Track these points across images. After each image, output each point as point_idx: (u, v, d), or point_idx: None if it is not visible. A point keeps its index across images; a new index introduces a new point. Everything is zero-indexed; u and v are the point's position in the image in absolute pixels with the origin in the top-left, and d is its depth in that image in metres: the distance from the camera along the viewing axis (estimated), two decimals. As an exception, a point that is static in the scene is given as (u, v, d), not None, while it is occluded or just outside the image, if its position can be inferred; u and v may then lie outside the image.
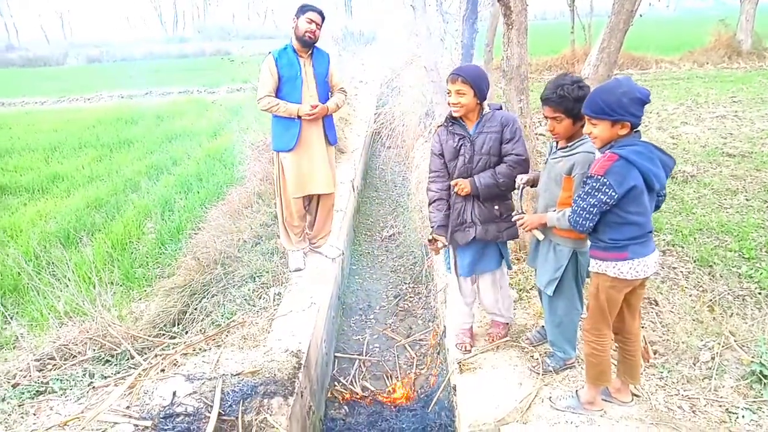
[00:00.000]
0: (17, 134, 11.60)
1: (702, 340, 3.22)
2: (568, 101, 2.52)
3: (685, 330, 3.30)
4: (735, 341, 3.19)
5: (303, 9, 4.18)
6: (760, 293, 3.74)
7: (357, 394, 4.02)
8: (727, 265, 4.11)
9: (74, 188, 7.76)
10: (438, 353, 4.17)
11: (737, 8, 15.64)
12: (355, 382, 4.14)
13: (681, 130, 8.12)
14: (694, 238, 4.58)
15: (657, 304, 3.63)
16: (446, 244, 3.13)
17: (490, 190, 2.98)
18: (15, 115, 14.57)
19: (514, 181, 2.93)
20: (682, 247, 4.44)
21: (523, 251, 4.26)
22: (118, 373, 3.30)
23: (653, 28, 19.81)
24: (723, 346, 3.15)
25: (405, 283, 5.58)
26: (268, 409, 2.93)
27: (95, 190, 7.55)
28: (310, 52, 4.30)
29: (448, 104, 3.03)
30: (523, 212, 2.85)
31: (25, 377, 3.27)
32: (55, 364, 3.41)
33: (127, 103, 15.91)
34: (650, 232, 2.37)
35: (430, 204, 3.23)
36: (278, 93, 4.26)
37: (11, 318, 4.20)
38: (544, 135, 7.57)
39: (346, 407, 3.92)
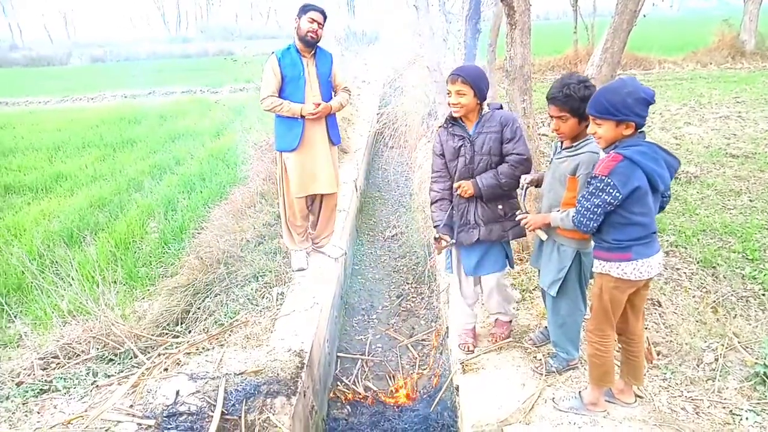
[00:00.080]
0: (21, 134, 11.63)
1: (705, 342, 3.22)
2: (574, 100, 2.52)
3: (689, 331, 3.30)
4: (739, 343, 3.18)
5: (305, 8, 4.18)
6: (763, 294, 3.73)
7: (359, 394, 4.02)
8: (730, 266, 4.10)
9: (78, 188, 7.78)
10: (440, 353, 4.17)
11: (741, 8, 15.60)
12: (358, 382, 4.14)
13: (684, 130, 8.10)
14: (698, 239, 4.57)
15: (660, 305, 3.62)
16: (451, 243, 3.12)
17: (493, 191, 2.98)
18: (19, 114, 14.61)
19: (517, 181, 2.93)
20: (686, 248, 4.43)
21: (525, 251, 4.26)
22: (122, 372, 3.30)
23: (656, 28, 19.78)
24: (726, 348, 3.14)
25: (407, 283, 5.57)
26: (271, 408, 2.93)
27: (98, 189, 7.57)
28: (313, 51, 4.30)
29: (448, 104, 3.03)
30: (526, 212, 2.85)
31: (29, 376, 3.29)
32: (58, 363, 3.42)
33: (131, 102, 15.95)
34: (654, 232, 2.37)
35: (432, 204, 3.23)
36: (281, 93, 4.27)
37: (15, 317, 4.21)
38: (546, 135, 7.57)
39: (348, 407, 3.92)
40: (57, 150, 10.03)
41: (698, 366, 3.05)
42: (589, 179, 2.35)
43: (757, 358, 3.01)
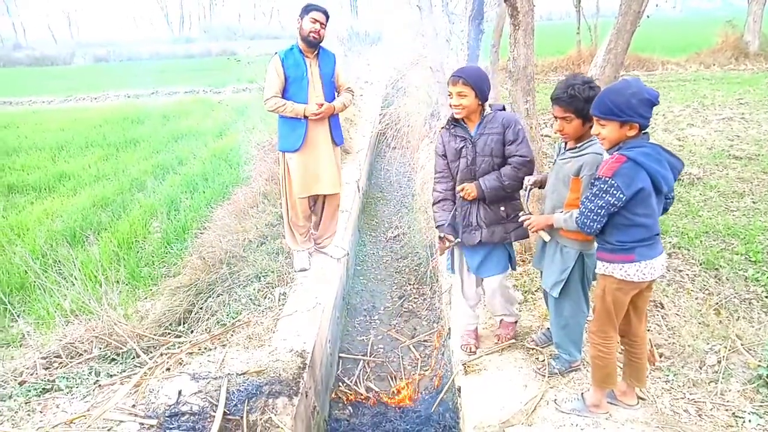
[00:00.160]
0: (24, 133, 11.66)
1: (708, 344, 3.21)
2: (579, 101, 2.51)
3: (691, 333, 3.29)
4: (741, 345, 3.18)
5: (307, 9, 4.18)
6: (767, 297, 3.72)
7: (361, 394, 4.02)
8: (733, 268, 4.09)
9: (81, 187, 7.80)
10: (442, 354, 4.17)
11: (745, 9, 15.55)
12: (360, 382, 4.14)
13: (687, 132, 8.08)
14: (700, 241, 4.56)
15: (663, 307, 3.61)
16: (456, 242, 3.11)
17: (496, 193, 2.97)
18: (22, 114, 14.65)
19: (520, 183, 2.93)
20: (688, 250, 4.42)
21: (528, 253, 4.25)
22: (124, 371, 3.31)
23: (660, 29, 19.72)
24: (729, 350, 3.14)
25: (409, 284, 5.57)
26: (272, 408, 2.93)
27: (101, 189, 7.58)
28: (316, 52, 4.30)
29: (450, 106, 3.03)
30: (529, 213, 2.85)
31: (31, 375, 3.30)
32: (61, 362, 3.43)
33: (134, 102, 15.97)
34: (657, 234, 2.37)
35: (434, 204, 3.24)
36: (285, 93, 4.27)
37: (18, 316, 4.22)
38: (549, 136, 7.56)
39: (350, 408, 3.92)
40: (60, 149, 10.06)
41: (701, 368, 3.04)
42: (592, 180, 2.35)
43: (760, 361, 3.01)
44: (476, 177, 3.03)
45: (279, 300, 4.12)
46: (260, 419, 2.86)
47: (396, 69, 16.31)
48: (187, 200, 6.84)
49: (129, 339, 3.56)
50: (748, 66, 14.19)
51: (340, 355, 4.47)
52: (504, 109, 3.10)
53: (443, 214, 3.16)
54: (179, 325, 4.06)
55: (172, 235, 5.80)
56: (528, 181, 2.86)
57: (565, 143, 2.74)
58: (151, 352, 3.51)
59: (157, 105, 14.76)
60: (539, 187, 2.93)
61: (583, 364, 3.04)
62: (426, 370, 4.20)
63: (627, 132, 2.27)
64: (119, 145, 10.24)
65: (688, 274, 4.07)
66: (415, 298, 5.32)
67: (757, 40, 14.94)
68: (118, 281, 4.50)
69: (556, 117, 2.64)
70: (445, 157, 3.15)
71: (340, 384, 4.15)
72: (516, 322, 3.44)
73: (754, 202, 5.35)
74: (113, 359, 3.47)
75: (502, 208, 3.06)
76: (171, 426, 2.78)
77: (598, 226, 2.33)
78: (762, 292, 3.78)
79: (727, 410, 2.73)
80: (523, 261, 4.23)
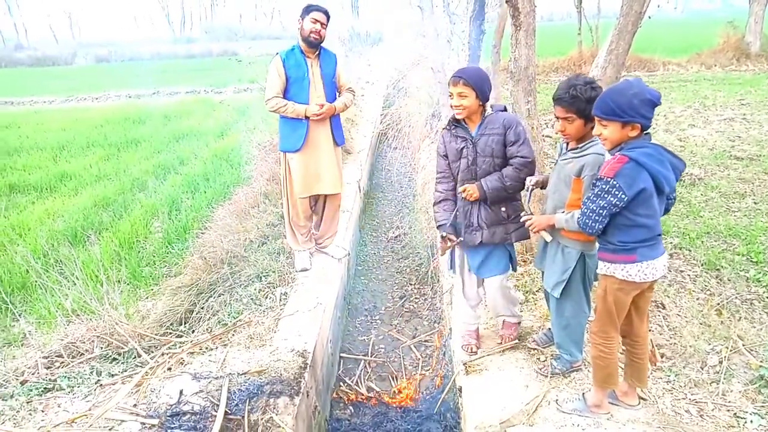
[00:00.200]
0: (26, 133, 11.68)
1: (710, 344, 3.21)
2: (581, 102, 2.52)
3: (693, 334, 3.29)
4: (743, 345, 3.17)
5: (307, 9, 4.18)
6: (768, 297, 3.71)
7: (362, 394, 4.02)
8: (734, 268, 4.09)
9: (82, 187, 7.81)
10: (444, 354, 4.17)
11: (746, 10, 15.53)
12: (361, 382, 4.14)
13: (688, 132, 8.08)
14: (702, 242, 4.56)
15: (664, 308, 3.61)
16: (459, 240, 3.11)
17: (498, 193, 2.97)
18: (24, 114, 14.67)
19: (522, 184, 2.93)
20: (689, 251, 4.41)
21: (529, 253, 4.25)
22: (125, 371, 3.31)
23: (661, 29, 19.71)
24: (731, 350, 3.13)
25: (410, 284, 5.57)
26: (274, 408, 2.93)
27: (103, 189, 7.59)
28: (317, 52, 4.31)
29: (451, 106, 3.03)
30: (531, 213, 2.85)
31: (33, 374, 3.30)
32: (62, 362, 3.43)
33: (135, 102, 16.00)
34: (659, 234, 2.37)
35: (435, 204, 3.24)
36: (286, 94, 4.27)
37: (20, 315, 4.22)
38: (550, 137, 7.56)
39: (351, 408, 3.92)
40: (61, 149, 10.07)
41: (702, 369, 3.04)
42: (594, 181, 2.35)
43: (761, 361, 3.01)
44: (477, 177, 3.03)
45: (280, 300, 4.12)
46: (261, 419, 2.87)
47: (397, 69, 16.32)
48: (189, 200, 6.84)
49: (130, 339, 3.56)
50: (749, 67, 14.17)
51: (341, 355, 4.47)
52: (505, 109, 3.10)
53: (444, 214, 3.16)
54: (180, 324, 4.06)
55: (174, 235, 5.80)
56: (530, 181, 2.87)
57: (567, 143, 2.74)
58: (152, 352, 3.51)
59: (158, 105, 14.78)
60: (541, 188, 2.93)
61: (585, 365, 3.04)
62: (427, 370, 4.20)
63: (629, 132, 2.27)
64: (120, 145, 10.25)
65: (689, 275, 4.07)
66: (416, 298, 5.32)
67: (759, 40, 14.92)
68: (119, 281, 4.51)
69: (557, 117, 2.64)
70: (446, 158, 3.16)
71: (341, 384, 4.15)
72: (519, 323, 3.44)
73: (755, 203, 5.34)
74: (115, 359, 3.47)
75: (503, 209, 3.06)
76: (172, 425, 2.78)
77: (600, 226, 2.33)
78: (763, 292, 3.78)
79: (728, 411, 2.73)
80: (524, 261, 4.23)
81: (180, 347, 3.53)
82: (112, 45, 36.78)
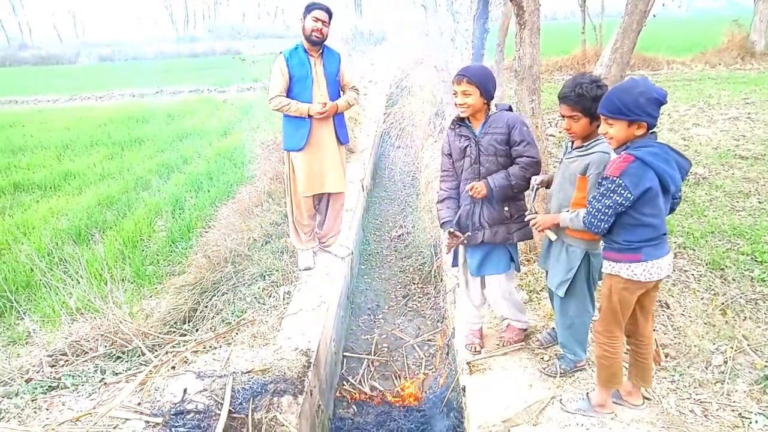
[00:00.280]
0: (30, 132, 11.73)
1: (714, 344, 3.19)
2: (586, 100, 2.51)
3: (697, 333, 3.28)
4: (748, 345, 3.16)
5: (309, 8, 4.18)
6: (773, 297, 3.70)
7: (365, 393, 4.03)
8: (739, 268, 4.07)
9: (86, 186, 7.84)
10: (447, 354, 4.17)
11: (751, 8, 15.47)
12: (364, 381, 4.15)
13: (693, 131, 8.05)
14: (706, 241, 4.54)
15: (668, 307, 3.60)
16: (466, 235, 3.08)
17: (505, 192, 2.96)
18: (28, 113, 14.72)
19: (527, 183, 2.92)
20: (694, 250, 4.40)
21: (533, 252, 4.25)
22: (130, 369, 3.32)
23: (665, 28, 19.66)
24: (736, 350, 3.12)
25: (414, 283, 5.57)
26: (277, 407, 2.94)
27: (107, 187, 7.62)
28: (320, 51, 4.30)
29: (455, 105, 3.02)
30: (535, 212, 2.84)
31: (37, 372, 3.31)
32: (67, 360, 3.44)
33: (138, 101, 16.04)
34: (664, 234, 2.36)
35: (439, 202, 3.23)
36: (289, 93, 4.28)
37: (24, 314, 4.24)
38: (554, 136, 7.54)
39: (354, 407, 3.92)
40: (65, 148, 10.10)
41: (707, 368, 3.03)
42: (600, 180, 2.34)
43: (766, 361, 3.00)
44: (480, 176, 3.02)
45: (284, 299, 4.12)
46: (265, 417, 2.87)
47: (400, 68, 16.32)
48: (192, 199, 6.85)
49: (134, 337, 3.57)
50: (754, 65, 14.11)
51: (345, 354, 4.48)
52: (511, 109, 3.09)
53: (448, 211, 3.15)
54: (184, 323, 4.07)
55: (177, 234, 5.82)
56: (534, 180, 2.86)
57: (572, 142, 2.74)
58: (156, 351, 3.52)
59: (161, 104, 14.81)
60: (545, 187, 2.93)
61: (589, 364, 3.03)
62: (430, 370, 4.20)
63: (635, 131, 2.26)
64: (124, 144, 10.27)
65: (693, 274, 4.05)
66: (419, 297, 5.32)
67: (763, 39, 14.86)
68: (123, 280, 4.52)
69: (563, 115, 2.63)
70: (450, 156, 3.16)
71: (345, 383, 4.16)
72: (525, 330, 3.38)
73: (760, 202, 5.32)
74: (119, 357, 3.48)
75: (506, 208, 3.05)
76: (176, 424, 2.78)
77: (606, 225, 2.33)
78: (768, 292, 3.76)
79: (733, 411, 2.72)
80: (528, 261, 4.22)
81: (184, 346, 3.54)
82: (115, 44, 36.88)
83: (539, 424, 2.69)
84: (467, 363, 3.26)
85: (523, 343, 3.34)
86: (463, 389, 3.30)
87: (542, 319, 3.60)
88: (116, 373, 3.27)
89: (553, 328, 3.25)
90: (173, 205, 6.68)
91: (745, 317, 3.47)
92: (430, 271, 5.49)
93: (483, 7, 7.83)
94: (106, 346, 3.53)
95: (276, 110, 4.31)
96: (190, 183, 7.55)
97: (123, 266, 4.99)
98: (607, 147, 2.50)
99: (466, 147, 3.04)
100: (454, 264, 3.37)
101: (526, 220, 2.89)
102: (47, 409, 2.97)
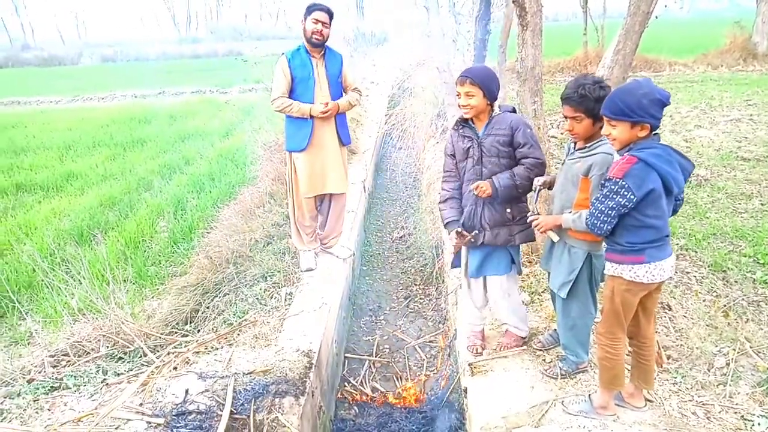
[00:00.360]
0: (32, 133, 11.75)
1: (716, 346, 3.19)
2: (589, 101, 2.51)
3: (699, 335, 3.27)
4: (750, 347, 3.15)
5: (309, 9, 4.19)
6: (775, 299, 3.69)
7: (367, 394, 4.02)
8: (741, 270, 4.07)
9: (88, 186, 7.85)
10: (448, 355, 4.16)
11: (753, 10, 15.44)
12: (365, 382, 4.14)
13: (694, 133, 8.03)
14: (708, 243, 4.54)
15: (670, 309, 3.60)
16: (473, 234, 3.07)
17: (510, 192, 2.95)
18: (30, 113, 14.75)
19: (531, 184, 2.92)
20: (696, 252, 4.39)
21: (535, 254, 4.24)
22: (131, 370, 3.32)
23: (667, 29, 19.63)
24: (738, 352, 3.12)
25: (415, 285, 5.57)
26: (279, 408, 2.94)
27: (109, 188, 7.63)
28: (322, 52, 4.31)
29: (458, 106, 3.02)
30: (537, 214, 2.84)
31: (39, 373, 3.31)
32: (69, 361, 3.45)
33: (141, 102, 16.06)
34: (667, 235, 2.35)
35: (441, 203, 3.23)
36: (291, 94, 4.28)
37: (26, 314, 4.24)
38: (556, 137, 7.54)
39: (356, 408, 3.92)
40: (68, 149, 10.12)
41: (709, 370, 3.02)
42: (603, 181, 2.34)
43: (769, 364, 2.99)
44: (483, 177, 3.02)
45: (285, 300, 4.12)
46: (267, 418, 2.87)
47: (402, 69, 16.32)
48: (194, 200, 6.86)
49: (136, 338, 3.57)
50: (756, 67, 14.08)
51: (346, 355, 4.47)
52: (514, 111, 3.09)
53: (452, 212, 3.15)
54: (186, 324, 4.07)
55: (179, 235, 5.82)
56: (537, 182, 2.86)
57: (575, 143, 2.74)
58: (158, 351, 3.52)
59: (163, 105, 14.82)
60: (548, 188, 2.92)
61: (591, 366, 3.03)
62: (432, 371, 4.20)
63: (638, 133, 2.26)
64: (126, 145, 10.29)
65: (695, 276, 4.04)
66: (420, 298, 5.32)
67: (766, 41, 14.82)
68: (125, 280, 4.53)
69: (566, 116, 2.63)
70: (453, 157, 3.16)
71: (346, 384, 4.16)
72: (524, 338, 3.35)
73: (762, 204, 5.31)
74: (120, 358, 3.48)
75: (508, 210, 3.04)
76: (178, 425, 2.78)
77: (609, 227, 2.33)
78: (771, 294, 3.76)
79: (735, 413, 2.72)
80: (529, 262, 4.21)
81: (186, 347, 3.54)
82: (118, 45, 36.96)
83: (541, 425, 2.68)
84: (469, 364, 3.25)
85: (524, 347, 3.34)
86: (465, 391, 3.30)
87: (544, 321, 3.60)
88: (118, 374, 3.28)
89: (555, 329, 3.24)
90: (175, 206, 6.69)
91: (748, 319, 3.46)
92: (432, 272, 5.49)
93: (485, 8, 7.84)
94: (108, 347, 3.53)
95: (278, 111, 4.32)
96: (192, 184, 7.56)
97: (125, 267, 4.99)
98: (609, 148, 2.50)
99: (468, 148, 3.04)
100: (455, 265, 3.36)
101: (528, 221, 2.88)
102: (49, 410, 2.97)
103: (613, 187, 2.25)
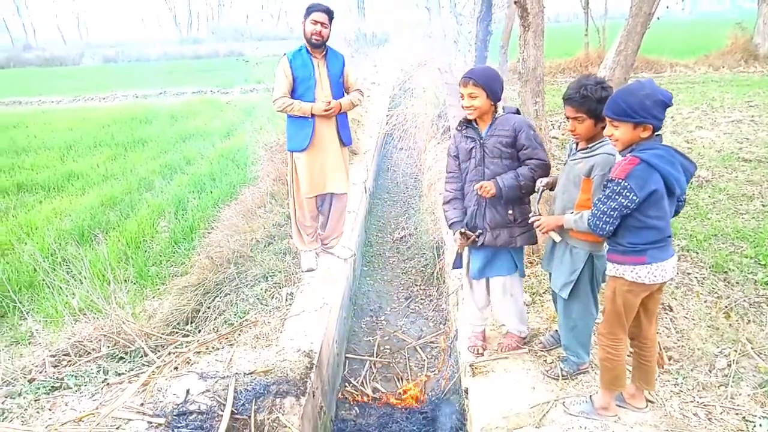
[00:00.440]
0: (34, 133, 11.75)
1: (718, 347, 3.19)
2: (591, 101, 2.51)
3: (701, 336, 3.27)
4: (752, 348, 3.15)
5: (308, 10, 4.19)
6: (777, 300, 3.68)
7: (368, 395, 4.02)
8: (742, 271, 4.06)
9: (89, 186, 7.85)
10: (449, 356, 4.16)
11: (754, 11, 15.43)
12: (366, 383, 4.14)
13: (696, 134, 8.03)
14: (709, 244, 4.53)
15: (671, 310, 3.59)
16: (477, 234, 3.06)
17: (514, 192, 2.94)
18: (32, 113, 14.75)
19: (534, 185, 2.92)
20: (697, 253, 4.39)
21: (536, 254, 4.24)
22: (132, 370, 3.32)
23: (668, 31, 19.61)
24: (739, 354, 3.11)
25: (416, 285, 5.57)
26: (280, 408, 2.94)
27: (110, 188, 7.63)
28: (324, 53, 4.31)
29: (462, 107, 3.02)
30: (539, 214, 2.84)
31: (40, 373, 3.31)
32: (69, 361, 3.45)
33: (142, 102, 16.06)
34: (669, 236, 2.35)
35: (444, 203, 3.23)
36: (293, 94, 4.29)
37: (27, 314, 4.24)
38: (557, 138, 7.54)
39: (356, 408, 3.92)
40: (69, 149, 10.13)
41: (710, 371, 3.02)
42: (605, 182, 2.34)
43: (770, 365, 2.98)
44: (485, 178, 3.01)
45: (286, 300, 4.12)
46: (268, 419, 2.87)
47: (403, 70, 16.31)
48: (195, 200, 6.86)
49: (137, 338, 3.57)
50: (757, 68, 14.07)
51: (347, 355, 4.47)
52: (518, 112, 3.09)
53: (455, 212, 3.15)
54: (187, 324, 4.07)
55: (180, 235, 5.82)
56: (540, 182, 2.85)
57: (577, 144, 2.74)
58: (159, 351, 3.52)
59: (165, 105, 14.83)
60: (550, 189, 2.92)
61: (592, 367, 3.03)
62: (433, 372, 4.19)
63: (640, 133, 2.26)
64: (127, 145, 10.29)
65: (696, 277, 4.04)
66: (421, 299, 5.32)
67: (767, 42, 14.82)
68: (126, 280, 4.52)
69: (568, 117, 2.63)
70: (456, 158, 3.16)
71: (347, 384, 4.15)
72: (523, 339, 3.36)
73: (763, 205, 5.31)
74: (121, 358, 3.48)
75: (510, 212, 3.03)
76: (179, 425, 2.78)
77: (611, 228, 2.32)
78: (772, 295, 3.75)
79: (737, 414, 2.71)
80: (531, 263, 4.21)
81: (186, 347, 3.54)
82: (119, 45, 36.98)
83: (542, 426, 2.68)
84: (470, 365, 3.25)
85: (525, 348, 3.33)
86: (466, 391, 3.30)
87: (545, 322, 3.59)
88: (119, 374, 3.28)
89: (556, 330, 3.24)
90: (176, 206, 6.69)
91: (749, 320, 3.46)
92: (433, 272, 5.49)
93: (486, 9, 7.85)
94: (108, 347, 3.53)
95: (280, 111, 4.33)
96: (193, 184, 7.56)
97: (126, 267, 4.99)
98: (611, 148, 2.50)
99: (471, 149, 3.04)
100: (457, 266, 3.36)
101: (530, 221, 2.88)
102: (50, 410, 2.97)
103: (615, 187, 2.25)
